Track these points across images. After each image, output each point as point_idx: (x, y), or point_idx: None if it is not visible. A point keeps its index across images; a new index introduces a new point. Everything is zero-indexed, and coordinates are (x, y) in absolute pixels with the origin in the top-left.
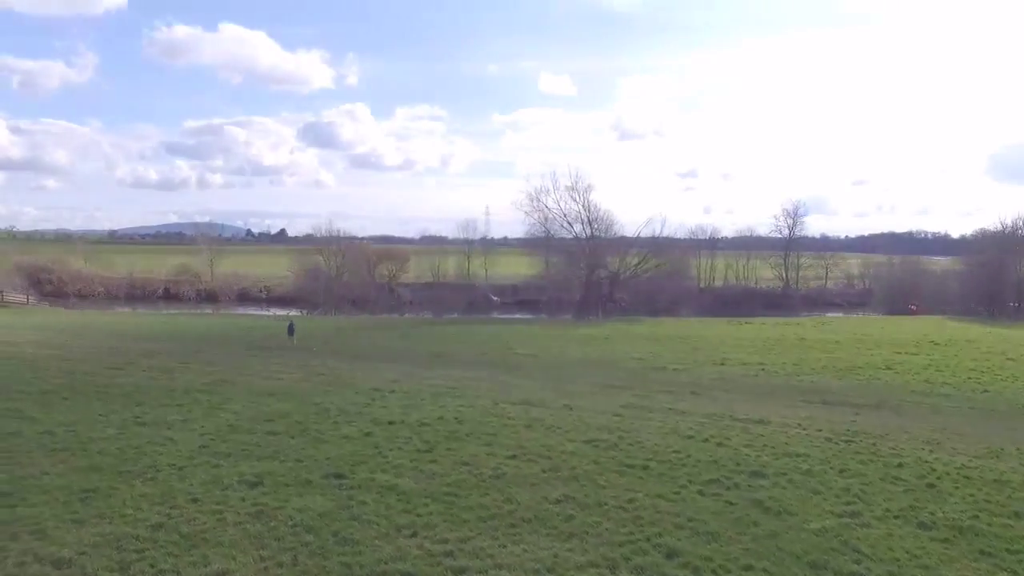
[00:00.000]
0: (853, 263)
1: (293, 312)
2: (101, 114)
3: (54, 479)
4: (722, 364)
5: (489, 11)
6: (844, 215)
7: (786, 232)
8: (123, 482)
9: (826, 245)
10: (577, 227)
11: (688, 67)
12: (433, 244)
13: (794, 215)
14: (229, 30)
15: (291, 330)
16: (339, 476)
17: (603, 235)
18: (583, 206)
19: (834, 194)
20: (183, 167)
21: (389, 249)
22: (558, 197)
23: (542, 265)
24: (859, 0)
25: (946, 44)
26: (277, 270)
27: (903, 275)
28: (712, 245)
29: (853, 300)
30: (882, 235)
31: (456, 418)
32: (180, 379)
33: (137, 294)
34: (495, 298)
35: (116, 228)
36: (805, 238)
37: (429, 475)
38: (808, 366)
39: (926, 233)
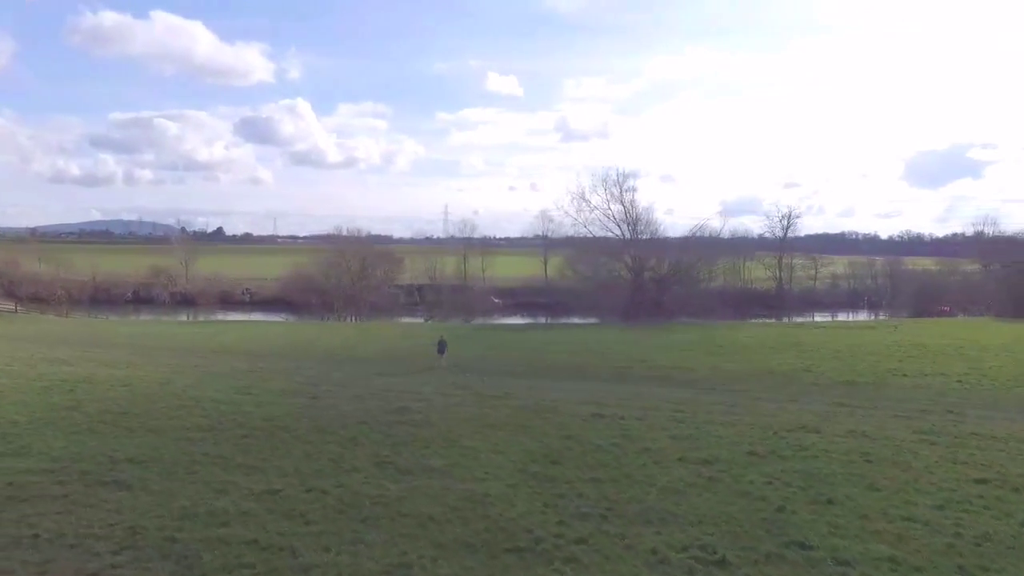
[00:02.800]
0: (839, 265)
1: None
2: (17, 104)
3: None
4: (940, 375)
5: (435, 9)
6: (775, 216)
7: (780, 233)
8: None
9: (762, 244)
10: (619, 228)
11: (632, 70)
12: (418, 244)
13: (788, 217)
14: (162, 19)
15: (442, 348)
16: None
17: (645, 236)
18: (625, 205)
19: (767, 195)
20: (108, 161)
21: (386, 249)
22: (608, 195)
23: (564, 266)
24: (795, 14)
25: (867, 58)
26: (256, 271)
27: (928, 277)
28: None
29: (842, 301)
30: (817, 236)
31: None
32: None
33: (103, 298)
34: (496, 300)
35: (35, 226)
36: (797, 239)
37: None
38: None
39: (856, 234)
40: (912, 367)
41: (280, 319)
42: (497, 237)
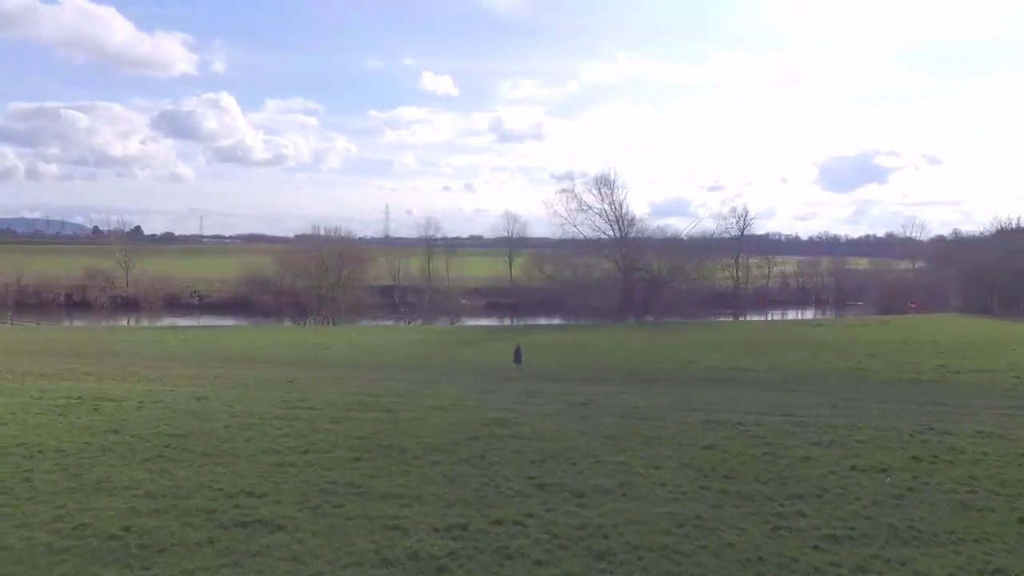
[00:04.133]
0: (788, 264)
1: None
2: None
3: None
4: (987, 371)
5: (369, 5)
6: (704, 218)
7: (736, 233)
8: None
9: (728, 245)
10: (612, 228)
11: (566, 73)
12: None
13: (744, 217)
14: (72, 3)
15: (519, 356)
16: None
17: (633, 235)
18: (615, 205)
19: (694, 198)
20: (8, 155)
21: (361, 249)
22: (601, 195)
23: (531, 266)
24: (718, 28)
25: (784, 70)
26: (199, 273)
27: (895, 276)
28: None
29: (794, 299)
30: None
31: None
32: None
33: (31, 302)
34: (464, 301)
35: None
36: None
37: None
38: None
39: (779, 235)
40: (952, 363)
41: (236, 323)
42: (449, 236)
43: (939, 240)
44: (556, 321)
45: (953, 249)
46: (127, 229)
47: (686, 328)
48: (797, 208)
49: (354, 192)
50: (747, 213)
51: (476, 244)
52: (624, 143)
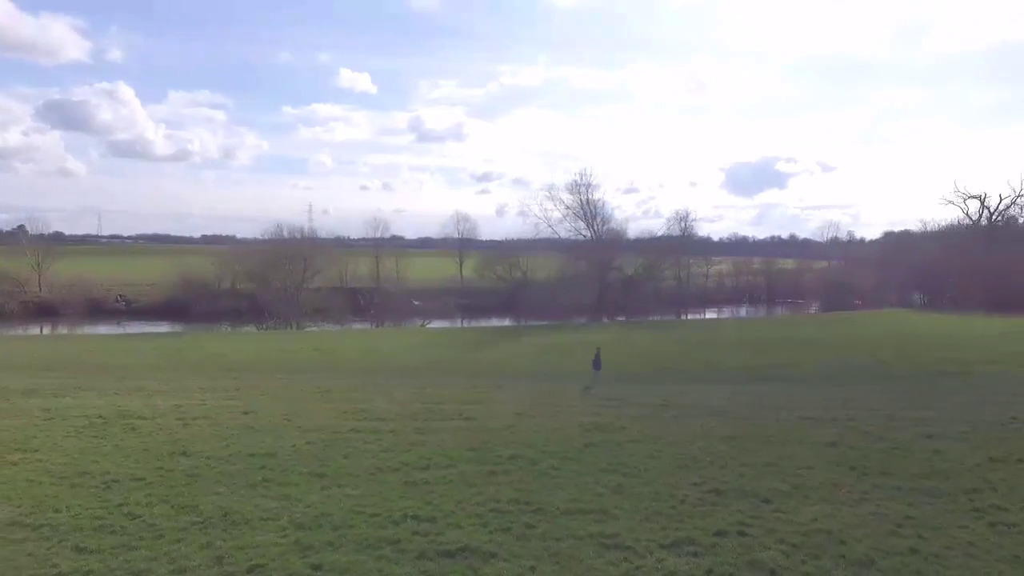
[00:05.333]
0: (724, 264)
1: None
2: None
3: None
4: (993, 363)
5: None
6: (620, 220)
7: (677, 234)
8: None
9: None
10: (588, 229)
11: (487, 74)
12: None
13: (686, 219)
14: None
15: (598, 363)
16: None
17: (606, 235)
18: (591, 206)
19: (610, 200)
20: None
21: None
22: (577, 197)
23: (481, 267)
24: (633, 38)
25: (692, 77)
26: (117, 275)
27: (838, 274)
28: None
29: (731, 297)
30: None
31: None
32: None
33: None
34: (416, 302)
35: None
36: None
37: None
38: None
39: (695, 236)
40: (959, 356)
41: (169, 328)
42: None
43: (886, 238)
44: (542, 322)
45: (895, 248)
46: (8, 228)
47: (676, 327)
48: (706, 211)
49: (266, 191)
50: (688, 215)
51: (422, 245)
52: (544, 146)
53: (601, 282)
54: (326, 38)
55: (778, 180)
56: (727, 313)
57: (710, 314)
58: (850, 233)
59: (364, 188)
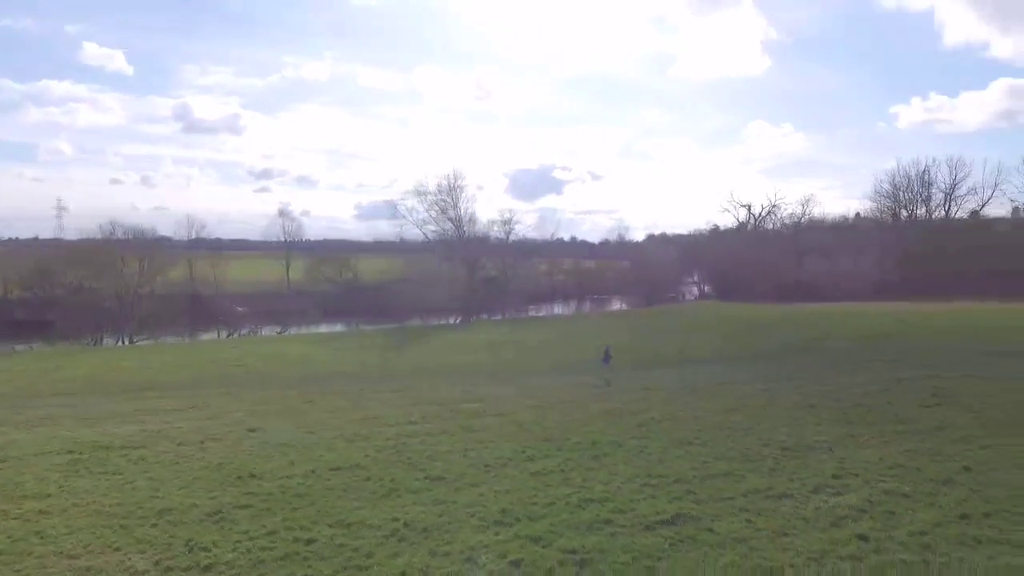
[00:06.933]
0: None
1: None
2: None
3: None
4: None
5: None
6: (498, 222)
7: (503, 236)
8: None
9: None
10: (456, 229)
11: (268, 64)
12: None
13: (510, 222)
14: None
15: (607, 358)
16: None
17: (472, 235)
18: (453, 206)
19: (400, 201)
20: None
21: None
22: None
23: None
24: (425, 38)
25: (480, 85)
26: None
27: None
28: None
29: (547, 296)
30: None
31: None
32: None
33: None
34: (241, 309)
35: None
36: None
37: None
38: None
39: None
40: (894, 331)
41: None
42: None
43: (690, 237)
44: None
45: (697, 248)
46: None
47: (581, 320)
48: (493, 214)
49: None
50: (512, 218)
51: (241, 247)
52: (329, 143)
53: (469, 283)
54: (69, 4)
55: (555, 186)
56: (558, 310)
57: (537, 312)
58: (620, 235)
59: (116, 182)
